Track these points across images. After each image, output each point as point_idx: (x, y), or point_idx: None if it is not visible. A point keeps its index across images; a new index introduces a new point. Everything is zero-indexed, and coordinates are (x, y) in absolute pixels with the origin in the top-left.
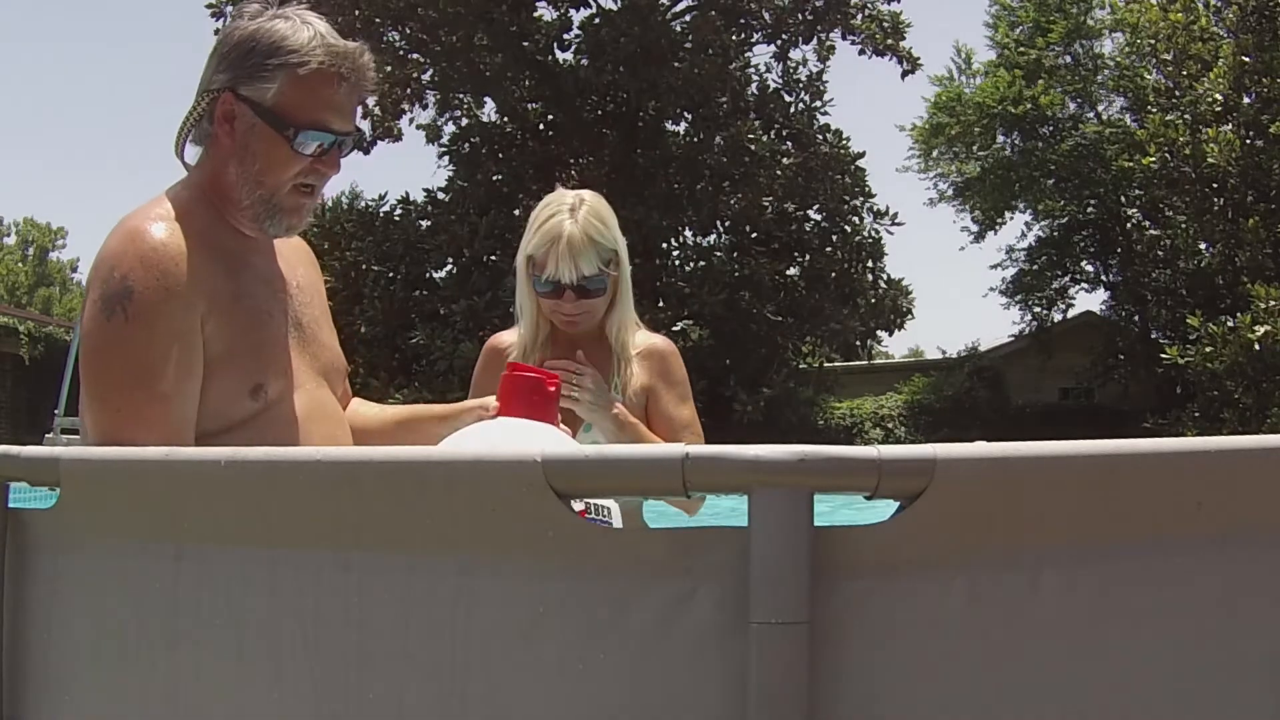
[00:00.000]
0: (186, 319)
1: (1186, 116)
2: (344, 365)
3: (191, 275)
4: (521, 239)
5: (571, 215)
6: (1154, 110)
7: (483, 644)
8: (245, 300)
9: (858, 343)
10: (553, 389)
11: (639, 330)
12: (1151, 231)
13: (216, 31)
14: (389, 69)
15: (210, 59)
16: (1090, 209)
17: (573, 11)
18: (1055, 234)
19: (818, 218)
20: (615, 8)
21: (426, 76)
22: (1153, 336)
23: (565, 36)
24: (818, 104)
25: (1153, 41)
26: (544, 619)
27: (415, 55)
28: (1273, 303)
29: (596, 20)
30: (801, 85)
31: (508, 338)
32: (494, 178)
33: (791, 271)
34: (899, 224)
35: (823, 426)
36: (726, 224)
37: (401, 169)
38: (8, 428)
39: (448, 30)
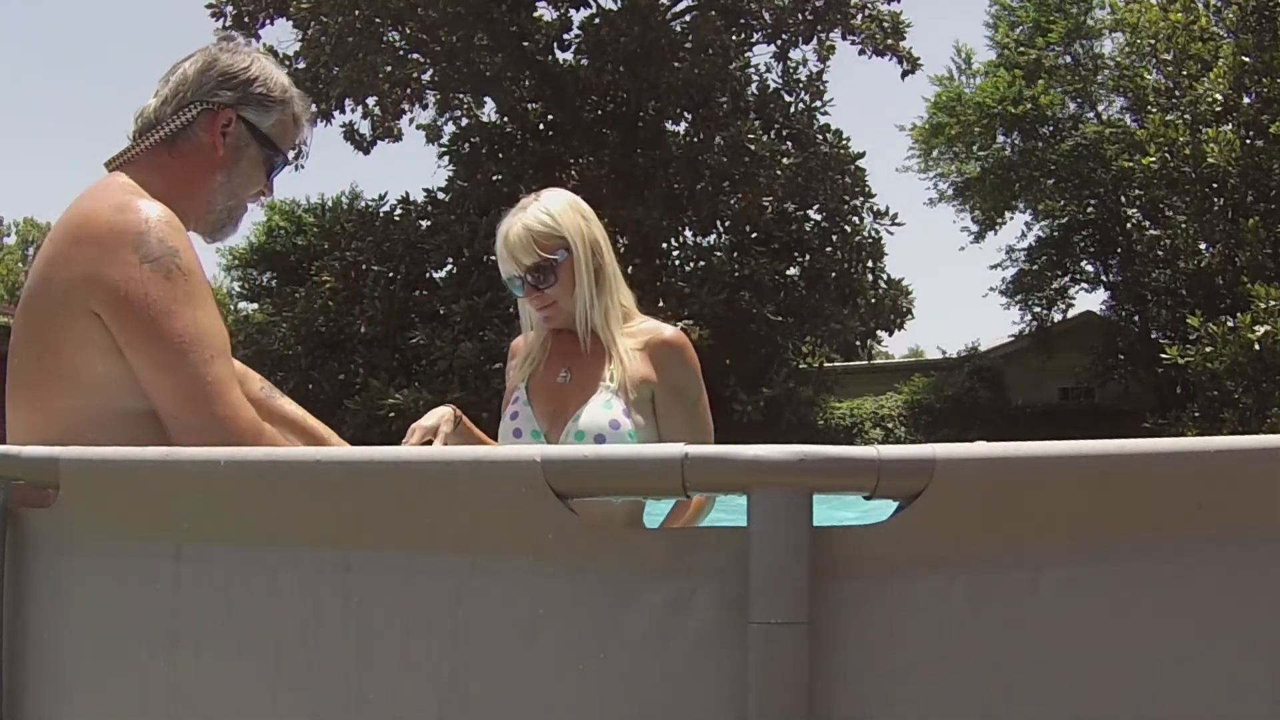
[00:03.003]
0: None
1: (1186, 116)
2: None
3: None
4: (501, 247)
5: (519, 214)
6: (1154, 110)
7: (482, 644)
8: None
9: (858, 343)
10: None
11: (642, 320)
12: (1151, 231)
13: (216, 32)
14: (389, 69)
15: (204, 75)
16: (1090, 209)
17: (573, 11)
18: (1055, 234)
19: (818, 218)
20: (615, 8)
21: (426, 76)
22: (1153, 336)
23: (565, 36)
24: (818, 104)
25: (1153, 41)
26: (544, 619)
27: (415, 55)
28: (1273, 303)
29: (596, 20)
30: (801, 85)
31: (518, 342)
32: (494, 178)
33: (791, 271)
34: (899, 224)
35: (823, 426)
36: (726, 224)
37: (401, 169)
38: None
39: (448, 30)
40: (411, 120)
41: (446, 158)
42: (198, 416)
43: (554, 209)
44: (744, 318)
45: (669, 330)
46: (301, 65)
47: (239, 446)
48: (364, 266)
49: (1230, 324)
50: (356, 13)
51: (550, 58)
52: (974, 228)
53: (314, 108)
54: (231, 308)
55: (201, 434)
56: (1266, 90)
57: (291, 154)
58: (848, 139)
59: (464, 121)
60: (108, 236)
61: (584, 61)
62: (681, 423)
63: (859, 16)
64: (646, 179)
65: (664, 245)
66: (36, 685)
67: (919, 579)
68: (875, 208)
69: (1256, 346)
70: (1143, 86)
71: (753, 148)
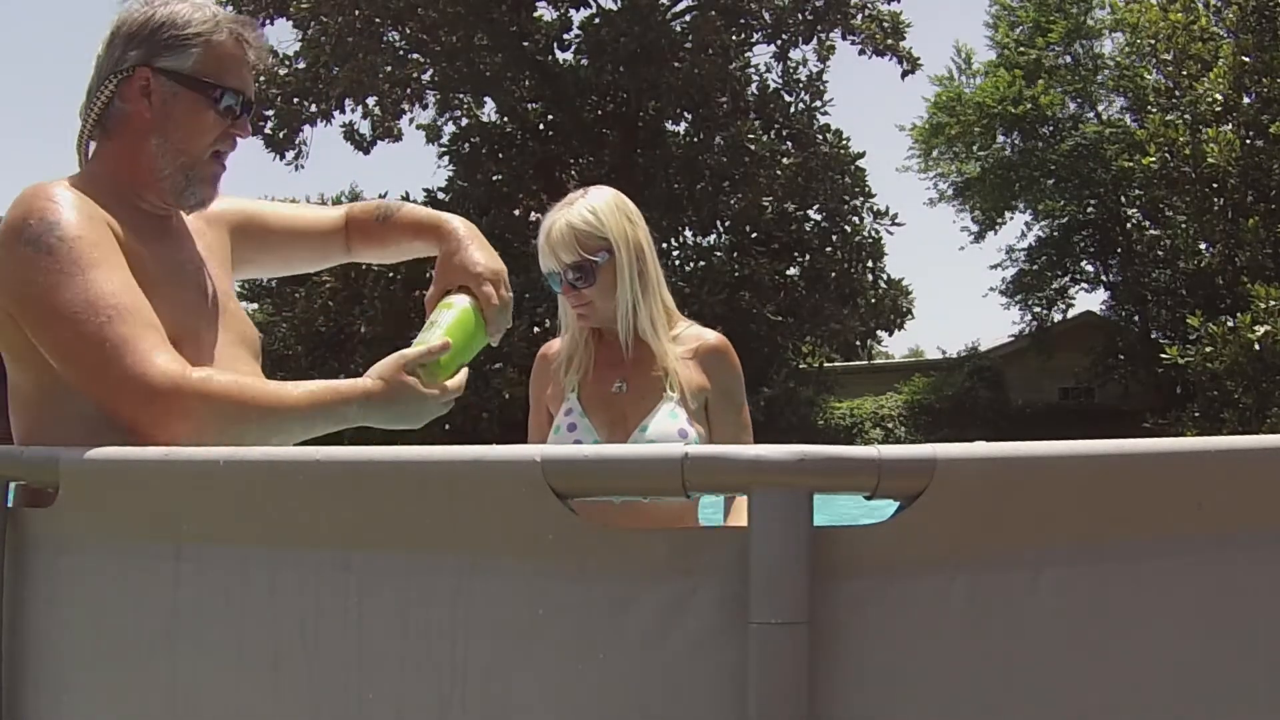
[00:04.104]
0: (112, 239)
1: (1186, 116)
2: (255, 335)
3: (102, 216)
4: (543, 241)
5: (564, 209)
6: (1154, 110)
7: (482, 644)
8: (151, 263)
9: (858, 343)
10: None
11: (686, 324)
12: (1151, 231)
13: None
14: (389, 69)
15: (110, 46)
16: (1090, 209)
17: (573, 11)
18: (1055, 234)
19: (818, 218)
20: (615, 8)
21: (426, 76)
22: (1153, 336)
23: (565, 36)
24: (818, 104)
25: (1153, 41)
26: (544, 619)
27: (415, 55)
28: (1273, 303)
29: (596, 20)
30: (801, 85)
31: (555, 345)
32: (494, 178)
33: (791, 271)
34: (899, 224)
35: (823, 426)
36: (726, 224)
37: (401, 169)
38: (7, 427)
39: (448, 30)
40: (411, 120)
41: (446, 158)
42: (104, 386)
43: (600, 208)
44: (744, 318)
45: (713, 335)
46: (301, 65)
47: (157, 406)
48: (364, 266)
49: (1230, 324)
50: (356, 13)
51: (550, 58)
52: (974, 228)
53: (266, 44)
54: None
55: (114, 403)
56: (1266, 90)
57: (249, 84)
58: (848, 139)
59: (464, 121)
60: (3, 237)
61: (584, 61)
62: (730, 426)
63: (859, 16)
64: (646, 179)
65: (664, 245)
66: (36, 685)
67: (919, 579)
68: (875, 208)
69: (1256, 346)
70: (1143, 86)
71: (753, 148)
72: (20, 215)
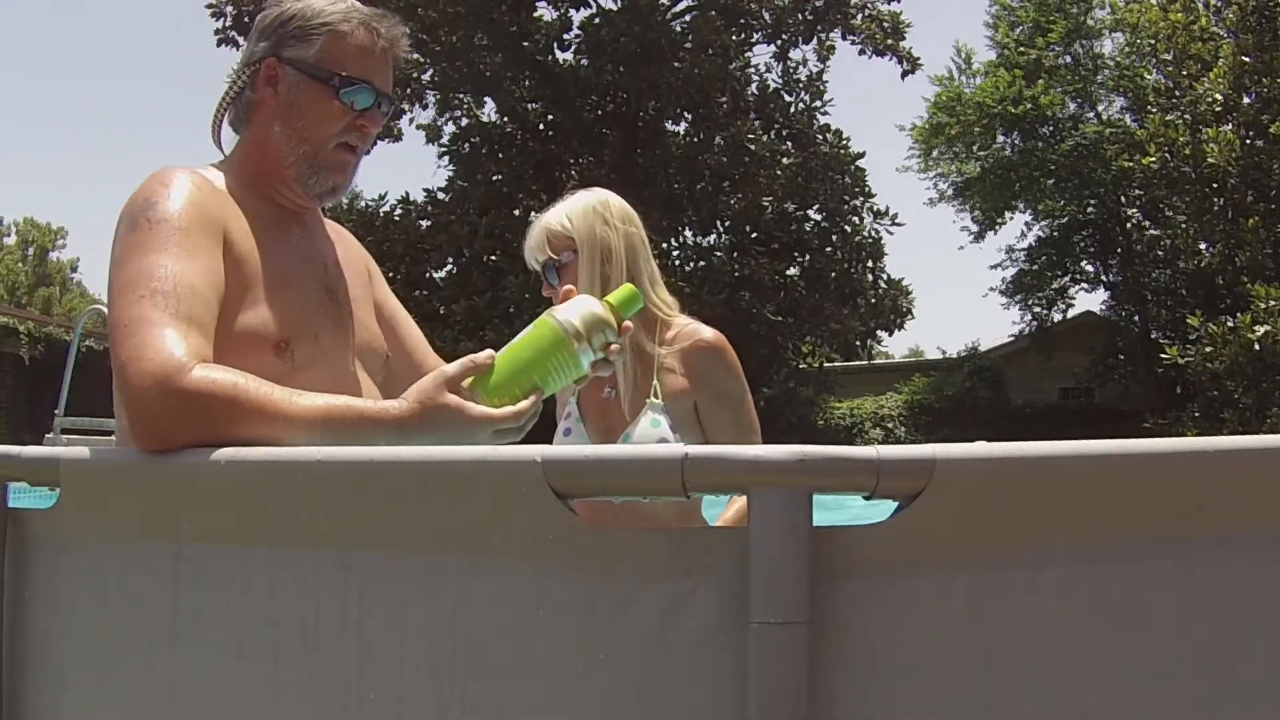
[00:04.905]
0: (210, 230)
1: (1186, 116)
2: (382, 348)
3: (215, 206)
4: (525, 240)
5: (549, 209)
6: (1154, 110)
7: (482, 644)
8: (272, 256)
9: (858, 343)
10: None
11: (684, 324)
12: (1151, 231)
13: (217, 32)
14: None
15: (249, 41)
16: (1090, 209)
17: (573, 11)
18: (1055, 234)
19: (818, 218)
20: (615, 8)
21: (426, 76)
22: (1153, 336)
23: (565, 36)
24: (818, 104)
25: (1153, 41)
26: (544, 619)
27: (415, 55)
28: (1273, 303)
29: (596, 20)
30: (801, 85)
31: None
32: (494, 178)
33: (791, 271)
34: (899, 224)
35: (823, 426)
36: (726, 224)
37: (401, 169)
38: (7, 428)
39: (448, 30)
40: (411, 120)
41: (446, 158)
42: (114, 364)
43: (574, 210)
44: (744, 318)
45: (708, 333)
46: None
47: (145, 398)
48: None
49: (1230, 324)
50: None
51: (550, 58)
52: (974, 228)
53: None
54: None
55: (117, 385)
56: (1266, 90)
57: (383, 78)
58: (848, 139)
59: (464, 121)
60: (123, 211)
61: (584, 61)
62: (727, 426)
63: (859, 16)
64: (646, 179)
65: (664, 245)
66: (36, 685)
67: (919, 579)
68: (875, 208)
69: (1256, 346)
70: (1143, 86)
71: (753, 148)
72: (133, 196)
